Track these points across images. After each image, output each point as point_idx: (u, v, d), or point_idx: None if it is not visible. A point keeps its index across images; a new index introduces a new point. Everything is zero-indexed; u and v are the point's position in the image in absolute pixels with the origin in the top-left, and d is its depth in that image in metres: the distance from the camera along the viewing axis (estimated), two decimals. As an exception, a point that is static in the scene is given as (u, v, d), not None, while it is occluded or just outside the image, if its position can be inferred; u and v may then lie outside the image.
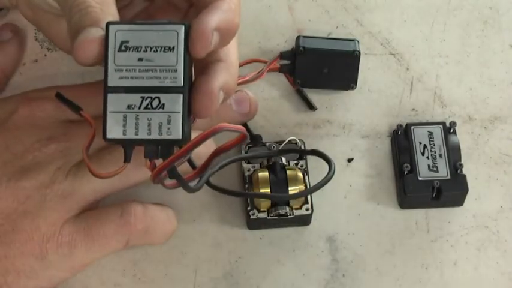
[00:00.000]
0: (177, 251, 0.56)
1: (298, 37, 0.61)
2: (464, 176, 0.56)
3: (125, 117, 0.46)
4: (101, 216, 0.53)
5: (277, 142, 0.57)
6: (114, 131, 0.46)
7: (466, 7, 0.65)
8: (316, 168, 0.58)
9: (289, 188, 0.55)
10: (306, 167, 0.56)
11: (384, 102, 0.61)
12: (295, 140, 0.57)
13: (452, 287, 0.55)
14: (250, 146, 0.58)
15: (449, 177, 0.56)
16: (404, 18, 0.65)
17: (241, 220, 0.57)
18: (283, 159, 0.56)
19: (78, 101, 0.55)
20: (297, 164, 0.56)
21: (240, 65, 0.61)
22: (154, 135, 0.45)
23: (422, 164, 0.57)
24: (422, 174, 0.56)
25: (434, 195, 0.56)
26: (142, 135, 0.45)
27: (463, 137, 0.59)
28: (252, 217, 0.55)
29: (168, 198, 0.57)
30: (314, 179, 0.58)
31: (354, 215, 0.57)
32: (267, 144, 0.57)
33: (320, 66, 0.60)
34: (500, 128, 0.60)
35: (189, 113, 0.46)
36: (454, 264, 0.56)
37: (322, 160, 0.59)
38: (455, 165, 0.56)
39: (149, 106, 0.46)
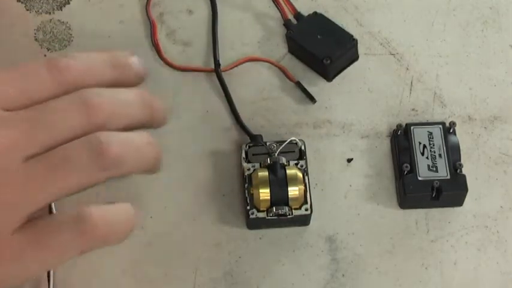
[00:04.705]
0: (177, 251, 0.56)
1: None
2: (464, 176, 0.56)
3: None
4: (53, 225, 0.47)
5: (277, 142, 0.57)
6: None
7: (466, 7, 0.65)
8: (317, 169, 0.58)
9: (289, 188, 0.55)
10: (306, 167, 0.56)
11: (384, 102, 0.61)
12: (295, 140, 0.57)
13: (452, 287, 0.55)
14: (250, 145, 0.58)
15: (449, 177, 0.56)
16: (404, 18, 0.65)
17: (241, 220, 0.57)
18: (283, 159, 0.56)
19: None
20: (297, 164, 0.56)
21: (240, 64, 0.62)
22: None
23: (422, 164, 0.57)
24: (422, 174, 0.56)
25: (434, 195, 0.56)
26: None
27: (462, 137, 0.59)
28: (251, 216, 0.55)
29: (168, 198, 0.57)
30: (314, 179, 0.58)
31: (354, 215, 0.57)
32: (267, 144, 0.57)
33: (317, 32, 0.61)
34: (500, 128, 0.60)
35: None
36: (454, 264, 0.56)
37: (322, 160, 0.59)
38: (454, 165, 0.56)
39: None
